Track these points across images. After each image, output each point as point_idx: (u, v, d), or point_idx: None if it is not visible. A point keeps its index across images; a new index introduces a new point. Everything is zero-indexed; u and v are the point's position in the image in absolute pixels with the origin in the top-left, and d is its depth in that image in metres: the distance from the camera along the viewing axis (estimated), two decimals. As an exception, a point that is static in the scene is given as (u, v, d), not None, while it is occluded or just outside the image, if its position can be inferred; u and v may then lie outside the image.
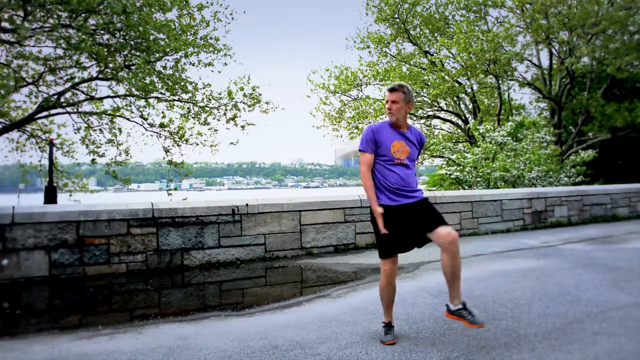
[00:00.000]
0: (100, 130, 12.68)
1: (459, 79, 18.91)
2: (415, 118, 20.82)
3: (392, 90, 3.16)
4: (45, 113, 11.62)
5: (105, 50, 9.79)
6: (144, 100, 11.91)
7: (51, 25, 8.77)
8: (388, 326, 3.18)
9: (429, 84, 18.26)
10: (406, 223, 3.08)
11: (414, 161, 3.24)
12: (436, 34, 20.04)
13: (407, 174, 3.15)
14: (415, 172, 3.27)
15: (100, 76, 11.14)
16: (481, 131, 13.89)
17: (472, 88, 20.24)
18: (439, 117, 22.08)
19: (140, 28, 9.55)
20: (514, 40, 17.98)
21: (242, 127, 13.59)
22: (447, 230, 2.95)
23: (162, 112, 12.76)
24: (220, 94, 13.07)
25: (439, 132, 22.82)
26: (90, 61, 10.43)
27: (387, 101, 3.17)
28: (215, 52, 12.79)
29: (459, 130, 22.13)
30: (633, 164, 20.73)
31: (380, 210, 3.03)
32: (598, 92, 20.28)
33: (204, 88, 12.69)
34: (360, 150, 3.17)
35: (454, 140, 22.33)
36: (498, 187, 12.03)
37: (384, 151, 3.12)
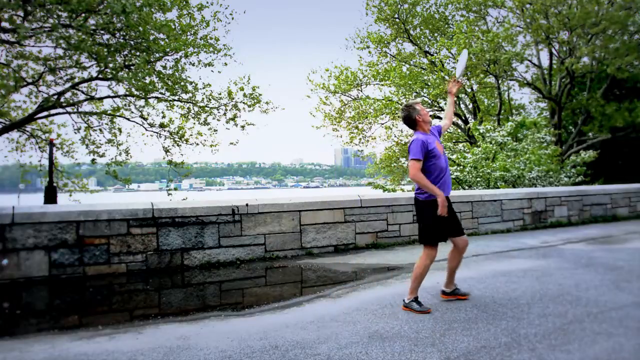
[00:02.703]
0: (100, 130, 12.68)
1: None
2: (415, 118, 20.80)
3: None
4: (45, 113, 11.62)
5: (105, 50, 9.79)
6: (143, 100, 11.91)
7: (51, 25, 8.77)
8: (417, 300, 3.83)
9: (429, 84, 18.25)
10: (451, 213, 3.85)
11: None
12: (436, 34, 20.03)
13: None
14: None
15: (100, 76, 11.14)
16: (481, 131, 13.89)
17: (472, 88, 20.23)
18: (439, 117, 22.05)
19: (140, 28, 9.54)
20: (514, 40, 17.96)
21: (242, 127, 13.59)
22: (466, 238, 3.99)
23: (162, 112, 12.77)
24: (220, 94, 13.07)
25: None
26: (90, 61, 10.43)
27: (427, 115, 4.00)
28: (215, 52, 12.78)
29: (459, 130, 22.13)
30: (633, 164, 20.70)
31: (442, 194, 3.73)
32: (598, 92, 20.27)
33: (204, 88, 12.69)
34: (416, 159, 3.74)
35: (454, 140, 22.33)
36: (498, 187, 12.02)
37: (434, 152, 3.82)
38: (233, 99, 13.13)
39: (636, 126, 19.19)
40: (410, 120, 3.95)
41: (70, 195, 13.25)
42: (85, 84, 11.65)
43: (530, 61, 21.05)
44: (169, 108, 12.73)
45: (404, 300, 3.87)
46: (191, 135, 13.16)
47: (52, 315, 4.00)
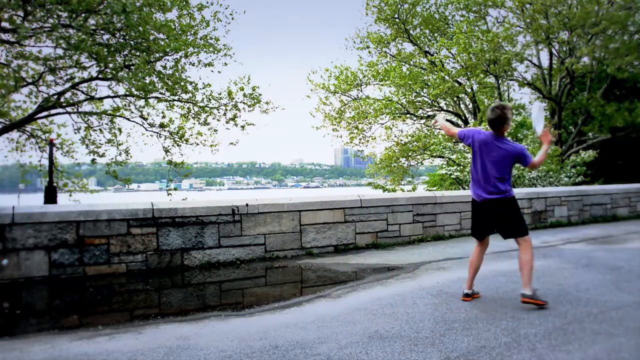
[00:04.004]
0: (100, 130, 12.69)
1: (459, 79, 18.89)
2: (415, 118, 20.82)
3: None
4: (45, 113, 11.62)
5: (105, 50, 9.79)
6: (143, 100, 11.91)
7: (51, 25, 8.77)
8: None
9: (429, 84, 18.25)
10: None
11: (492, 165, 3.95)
12: (436, 34, 20.02)
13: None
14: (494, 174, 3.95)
15: (100, 76, 11.14)
16: (481, 131, 13.87)
17: (472, 88, 20.22)
18: (437, 117, 22.04)
19: (140, 28, 9.54)
20: (514, 40, 17.94)
21: (242, 127, 13.59)
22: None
23: (162, 112, 12.77)
24: (220, 94, 13.07)
25: (438, 132, 22.80)
26: (90, 61, 10.43)
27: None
28: (215, 52, 12.79)
29: (459, 130, 22.07)
30: (633, 164, 20.70)
31: None
32: (598, 92, 20.27)
33: (204, 88, 12.69)
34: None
35: (454, 140, 22.29)
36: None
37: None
38: (233, 99, 13.13)
39: (636, 126, 19.18)
40: (501, 125, 3.92)
41: (70, 195, 13.25)
42: (85, 84, 11.66)
43: (530, 61, 21.04)
44: (169, 108, 12.74)
45: (523, 294, 3.80)
46: (191, 135, 13.16)
47: (52, 315, 4.00)
